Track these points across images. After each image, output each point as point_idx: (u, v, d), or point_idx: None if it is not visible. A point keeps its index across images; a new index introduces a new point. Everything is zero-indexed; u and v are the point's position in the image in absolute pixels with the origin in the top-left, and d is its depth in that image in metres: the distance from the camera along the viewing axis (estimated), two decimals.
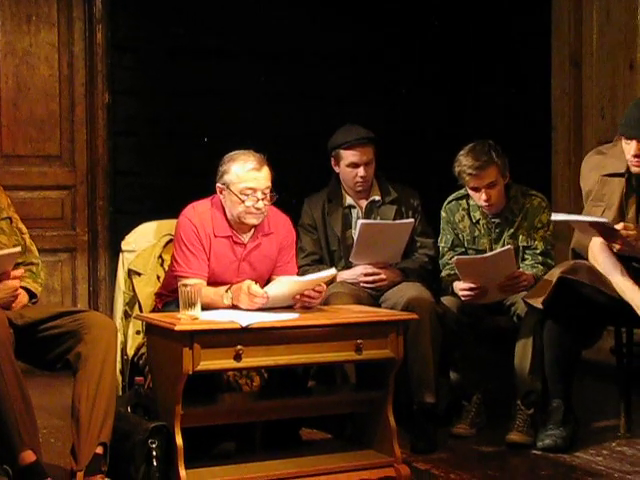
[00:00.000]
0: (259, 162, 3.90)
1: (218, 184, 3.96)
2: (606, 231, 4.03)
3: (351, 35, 6.28)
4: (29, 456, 3.32)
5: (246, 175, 3.88)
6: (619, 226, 4.01)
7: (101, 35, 5.95)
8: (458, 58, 6.49)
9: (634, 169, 4.13)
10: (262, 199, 3.88)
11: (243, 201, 3.87)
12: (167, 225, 4.18)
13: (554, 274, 4.17)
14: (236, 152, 3.96)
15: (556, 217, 4.15)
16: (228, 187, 3.91)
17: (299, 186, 4.66)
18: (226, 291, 3.80)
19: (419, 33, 6.46)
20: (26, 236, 3.92)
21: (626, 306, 4.12)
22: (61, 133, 5.95)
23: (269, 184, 3.92)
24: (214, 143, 4.16)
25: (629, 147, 4.10)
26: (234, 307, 3.76)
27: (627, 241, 4.02)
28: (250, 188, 3.87)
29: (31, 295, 3.75)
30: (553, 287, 4.10)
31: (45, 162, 5.93)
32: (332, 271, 3.94)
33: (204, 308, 3.60)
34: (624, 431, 4.45)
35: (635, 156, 4.09)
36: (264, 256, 4.03)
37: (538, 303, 4.15)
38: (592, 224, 4.02)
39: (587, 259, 4.23)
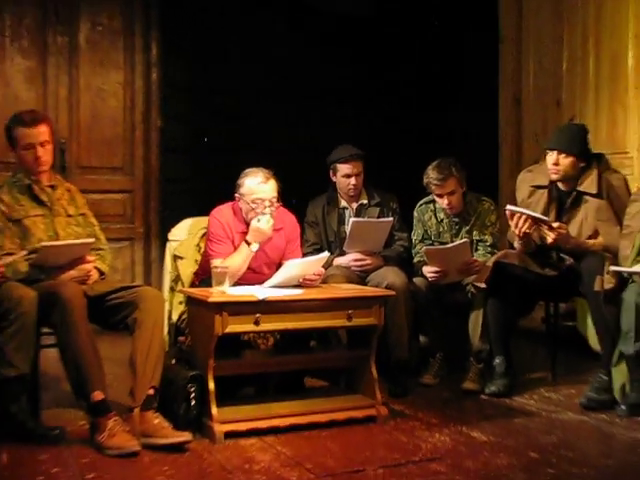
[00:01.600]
0: (266, 177, 3.87)
1: (236, 194, 3.94)
2: (546, 225, 4.01)
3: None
4: (98, 395, 3.31)
5: (256, 187, 3.85)
6: (556, 224, 4.00)
7: (156, 75, 5.94)
8: (430, 97, 6.46)
9: (553, 177, 4.15)
10: (269, 206, 3.85)
11: (254, 208, 3.84)
12: (202, 221, 4.16)
13: (491, 260, 4.17)
14: (250, 169, 3.93)
15: (510, 207, 4.11)
16: (242, 197, 3.89)
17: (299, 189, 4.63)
18: (243, 243, 3.83)
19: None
20: (97, 228, 3.91)
21: (550, 282, 4.14)
22: (124, 150, 5.93)
23: (275, 194, 3.88)
24: (240, 158, 4.13)
25: (550, 158, 4.11)
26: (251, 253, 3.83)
27: (560, 235, 3.99)
28: (259, 198, 3.84)
29: (100, 273, 3.74)
30: (491, 270, 4.11)
31: (111, 172, 5.91)
32: (325, 254, 3.92)
33: (234, 272, 3.65)
34: (550, 380, 4.45)
35: (554, 164, 4.09)
36: (275, 246, 4.01)
37: (482, 283, 4.14)
38: (536, 218, 3.99)
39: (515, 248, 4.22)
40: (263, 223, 3.81)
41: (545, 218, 4.01)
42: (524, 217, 3.98)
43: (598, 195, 4.09)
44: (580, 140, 4.12)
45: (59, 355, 3.39)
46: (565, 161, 4.08)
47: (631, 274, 3.79)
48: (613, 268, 3.82)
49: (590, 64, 5.30)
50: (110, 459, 3.15)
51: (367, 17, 6.42)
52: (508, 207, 4.12)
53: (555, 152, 4.09)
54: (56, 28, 5.69)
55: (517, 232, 4.03)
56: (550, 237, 4.00)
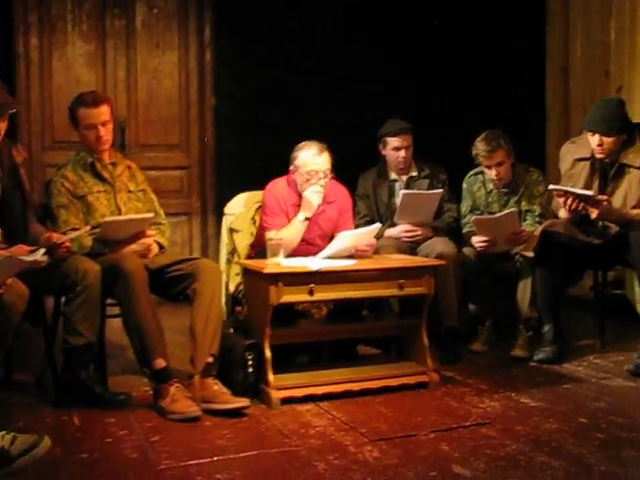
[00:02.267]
0: (320, 150, 3.87)
1: (291, 167, 3.93)
2: (590, 200, 3.94)
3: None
4: (161, 362, 3.37)
5: (310, 160, 3.85)
6: (599, 197, 3.93)
7: (209, 55, 5.94)
8: (478, 68, 6.35)
9: (598, 155, 4.09)
10: (323, 178, 3.84)
11: (308, 180, 3.84)
12: (257, 195, 4.16)
13: (539, 230, 4.12)
14: (304, 142, 3.94)
15: (552, 187, 4.06)
16: (297, 169, 3.88)
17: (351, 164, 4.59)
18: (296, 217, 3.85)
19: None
20: (156, 204, 3.94)
21: (596, 251, 4.09)
22: (180, 128, 5.95)
23: (328, 166, 3.88)
24: (292, 134, 4.13)
25: (593, 139, 4.04)
26: (306, 220, 3.85)
27: (604, 209, 3.94)
28: (313, 170, 3.84)
29: (160, 247, 3.77)
30: (539, 239, 4.06)
31: (169, 149, 5.94)
32: (377, 225, 3.92)
33: (288, 243, 3.68)
34: (599, 347, 4.39)
35: (598, 145, 4.02)
36: (328, 219, 4.00)
37: (530, 252, 4.10)
38: (580, 195, 3.93)
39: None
40: (312, 193, 3.81)
41: (589, 193, 3.94)
42: (569, 195, 3.93)
43: None
44: (620, 117, 4.02)
45: (123, 325, 3.44)
46: (608, 140, 4.01)
47: None
48: (551, 187, 3.77)
49: (638, 34, 5.16)
50: (173, 423, 3.21)
51: None
52: (550, 187, 4.07)
53: (597, 134, 4.01)
54: (114, 12, 5.73)
55: (566, 209, 3.98)
56: (594, 213, 3.96)
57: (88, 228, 3.53)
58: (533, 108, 5.90)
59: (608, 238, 4.10)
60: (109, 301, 3.55)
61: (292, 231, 3.83)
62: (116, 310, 3.51)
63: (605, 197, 3.96)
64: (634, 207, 4.02)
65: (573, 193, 3.95)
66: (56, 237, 3.34)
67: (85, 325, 3.33)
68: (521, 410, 3.35)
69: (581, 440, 2.96)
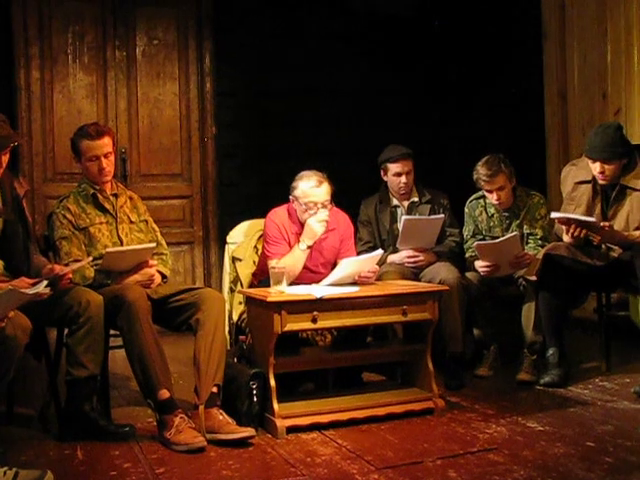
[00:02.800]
0: (319, 181, 3.87)
1: (291, 196, 3.94)
2: (592, 226, 3.95)
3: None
4: (165, 393, 3.35)
5: (309, 191, 3.86)
6: (601, 224, 3.94)
7: (210, 85, 5.97)
8: (476, 96, 6.39)
9: (601, 182, 4.10)
10: (322, 208, 3.85)
11: (307, 210, 3.85)
12: (259, 223, 4.17)
13: (541, 253, 4.12)
14: (303, 172, 3.94)
15: (555, 215, 4.08)
16: (297, 199, 3.89)
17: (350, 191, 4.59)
18: (296, 245, 3.85)
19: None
20: (158, 233, 3.95)
21: (599, 273, 4.09)
22: (181, 157, 5.97)
23: (328, 197, 3.88)
24: (293, 163, 4.15)
25: (594, 166, 4.05)
26: (308, 248, 3.85)
27: (606, 234, 3.96)
28: (312, 202, 3.84)
29: (162, 276, 3.77)
30: (541, 262, 4.06)
31: (170, 179, 5.96)
32: (379, 251, 3.91)
33: (291, 271, 3.67)
34: (604, 370, 4.36)
35: (600, 172, 4.03)
36: (330, 246, 4.01)
37: (533, 276, 4.09)
38: (582, 221, 3.93)
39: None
40: (314, 222, 3.81)
41: (591, 219, 3.95)
42: (571, 222, 3.94)
43: None
44: (620, 142, 4.02)
45: (126, 356, 3.43)
46: (610, 167, 4.02)
47: None
48: (553, 214, 3.77)
49: (635, 56, 5.19)
50: (178, 454, 3.18)
51: (410, 17, 6.36)
52: (553, 214, 4.09)
53: (599, 162, 4.01)
54: (114, 44, 5.78)
55: (569, 236, 4.00)
56: (596, 239, 3.98)
57: (90, 259, 3.53)
58: (533, 132, 5.92)
59: (611, 260, 4.10)
60: (112, 332, 3.54)
61: (294, 259, 3.83)
62: (119, 341, 3.50)
63: (607, 223, 3.97)
64: (637, 228, 4.02)
65: (575, 220, 3.96)
66: (58, 269, 3.34)
67: (88, 357, 3.31)
68: (528, 435, 3.32)
69: (589, 464, 2.93)
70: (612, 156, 3.99)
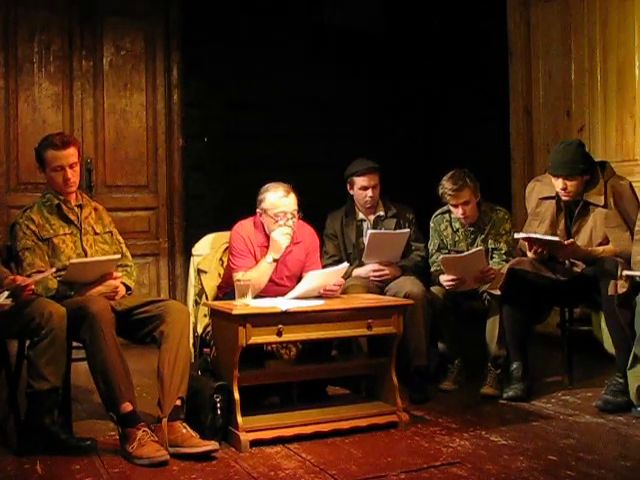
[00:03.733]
0: (286, 191, 3.89)
1: (258, 209, 3.94)
2: (554, 245, 4.01)
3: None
4: (127, 406, 3.32)
5: (278, 202, 3.87)
6: (567, 242, 4.02)
7: (177, 96, 5.98)
8: (442, 111, 6.45)
9: (564, 198, 4.15)
10: (291, 219, 3.86)
11: (277, 221, 3.85)
12: (224, 236, 4.16)
13: (505, 268, 4.16)
14: (269, 184, 3.95)
15: (518, 235, 4.15)
16: (265, 212, 3.89)
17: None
18: (263, 259, 3.85)
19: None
20: (123, 245, 3.92)
21: (563, 288, 4.14)
22: (148, 168, 5.96)
23: (296, 207, 3.89)
24: (259, 174, 4.15)
25: (557, 182, 4.11)
26: (274, 261, 3.85)
27: (569, 251, 4.04)
28: (282, 212, 3.85)
29: (127, 288, 3.75)
30: (505, 277, 4.10)
31: (136, 190, 5.94)
32: (345, 265, 3.93)
33: (256, 283, 3.66)
34: (567, 384, 4.40)
35: (562, 189, 4.09)
36: (296, 259, 4.01)
37: (496, 290, 4.13)
38: (545, 240, 3.99)
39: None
40: (280, 235, 3.82)
41: (554, 239, 4.00)
42: (534, 241, 4.00)
43: (605, 204, 4.07)
44: (580, 159, 4.07)
45: (89, 368, 3.39)
46: (572, 183, 4.07)
47: None
48: (626, 273, 3.80)
49: (598, 75, 5.28)
50: (140, 468, 3.15)
51: (376, 33, 6.42)
52: (516, 235, 4.15)
53: (560, 178, 4.07)
54: (81, 53, 5.75)
55: (532, 254, 4.06)
56: (560, 257, 4.04)
57: (53, 270, 3.50)
58: (498, 148, 5.99)
59: (574, 275, 4.14)
60: (74, 344, 3.50)
61: (260, 272, 3.83)
62: (82, 353, 3.46)
63: (570, 241, 4.02)
64: (600, 244, 4.07)
65: (539, 240, 4.01)
66: (20, 280, 3.30)
67: (50, 369, 3.27)
68: (491, 448, 3.35)
69: (551, 478, 2.96)
70: (573, 172, 4.05)
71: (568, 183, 4.07)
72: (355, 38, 6.35)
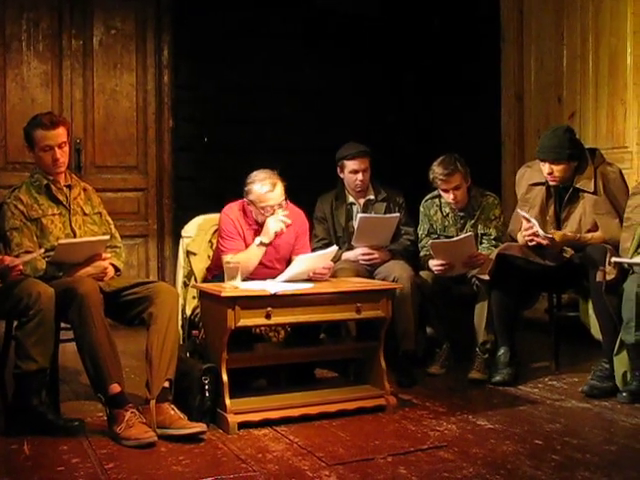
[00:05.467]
0: (272, 184, 3.85)
1: (245, 199, 3.92)
2: (548, 239, 4.04)
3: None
4: (115, 387, 3.32)
5: (264, 196, 3.84)
6: (552, 232, 4.04)
7: (167, 77, 5.95)
8: (436, 96, 6.45)
9: (551, 183, 4.16)
10: (278, 209, 3.85)
11: (264, 214, 3.85)
12: (214, 218, 4.15)
13: (494, 253, 4.17)
14: (256, 174, 3.89)
15: (521, 212, 4.14)
16: (252, 203, 3.89)
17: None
18: (253, 244, 3.84)
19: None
20: (112, 226, 3.91)
21: (551, 274, 4.16)
22: (137, 149, 5.94)
23: (282, 197, 3.87)
24: (249, 157, 4.14)
25: (544, 167, 4.11)
26: (263, 245, 3.84)
27: (558, 244, 4.05)
28: (269, 205, 3.85)
29: (116, 269, 3.74)
30: (494, 262, 4.11)
31: (126, 171, 5.92)
32: (334, 248, 3.93)
33: (245, 266, 3.64)
34: (554, 369, 4.43)
35: (549, 174, 4.09)
36: (285, 242, 4.00)
37: (485, 275, 4.14)
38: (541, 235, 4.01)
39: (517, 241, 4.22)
40: (274, 221, 3.82)
41: (547, 236, 4.00)
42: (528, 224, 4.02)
43: (594, 191, 4.08)
44: (568, 145, 4.08)
45: (77, 349, 3.39)
46: (558, 168, 4.07)
47: (632, 265, 3.79)
48: (615, 259, 3.82)
49: (590, 61, 5.28)
50: (128, 449, 3.15)
51: (371, 17, 6.40)
52: (519, 211, 4.13)
53: (547, 163, 4.08)
54: (71, 32, 5.71)
55: (522, 237, 4.07)
56: (552, 248, 4.07)
57: (42, 251, 3.48)
58: (489, 133, 5.99)
59: (563, 261, 4.16)
60: (63, 325, 3.49)
61: (249, 255, 3.82)
62: (70, 334, 3.45)
63: (554, 233, 4.03)
64: (589, 231, 4.09)
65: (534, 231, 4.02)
66: (9, 260, 3.29)
67: (38, 350, 3.27)
68: (478, 432, 3.37)
69: (536, 462, 2.98)
70: (560, 157, 4.05)
71: (555, 168, 4.07)
72: (347, 23, 6.32)
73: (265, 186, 3.84)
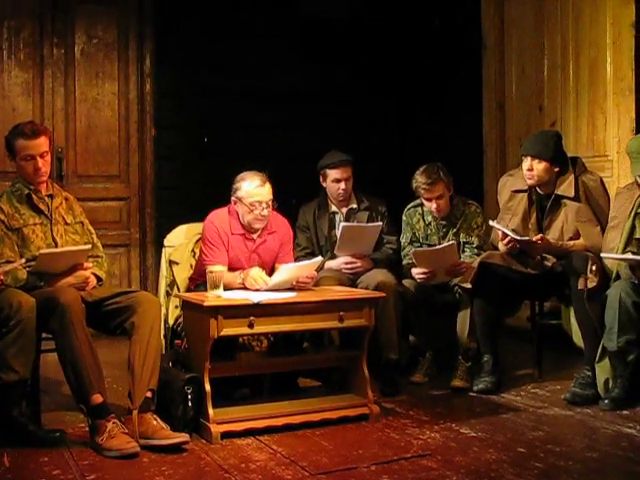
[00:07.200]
0: (262, 180, 3.87)
1: (233, 197, 3.93)
2: (526, 243, 4.06)
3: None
4: (98, 398, 3.30)
5: (254, 191, 3.85)
6: (535, 238, 4.05)
7: (149, 85, 5.94)
8: (416, 104, 6.48)
9: (529, 182, 4.17)
10: (266, 208, 3.85)
11: (252, 211, 3.84)
12: (197, 227, 4.15)
13: (476, 261, 4.19)
14: (245, 173, 3.92)
15: (492, 223, 4.17)
16: (240, 200, 3.88)
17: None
18: (239, 274, 3.78)
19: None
20: (94, 235, 3.89)
21: (533, 282, 4.19)
22: (120, 158, 5.92)
23: (271, 196, 3.89)
24: (233, 166, 4.13)
25: (525, 163, 4.13)
26: (243, 286, 3.74)
27: (539, 248, 4.08)
28: (257, 201, 3.84)
29: (98, 279, 3.71)
30: (476, 270, 4.13)
31: (108, 180, 5.90)
32: (319, 258, 3.93)
33: (225, 286, 3.59)
34: (537, 377, 4.45)
35: (528, 170, 4.10)
36: (269, 249, 4.00)
37: (467, 284, 4.16)
38: (516, 239, 4.03)
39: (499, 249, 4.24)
40: (252, 279, 3.72)
41: (525, 238, 4.03)
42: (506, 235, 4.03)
43: (576, 198, 4.11)
44: (553, 146, 4.11)
45: (58, 360, 3.37)
46: (539, 166, 4.09)
47: (621, 261, 3.81)
48: (604, 255, 3.84)
49: (570, 71, 5.33)
50: (110, 460, 3.14)
51: (351, 22, 6.41)
52: (491, 222, 4.16)
53: (529, 158, 4.10)
54: (52, 41, 5.69)
55: (504, 244, 4.09)
56: (532, 254, 4.10)
57: (23, 261, 3.46)
58: (470, 142, 6.02)
59: (545, 269, 4.19)
60: (44, 335, 3.47)
61: (228, 281, 3.75)
62: (51, 344, 3.43)
63: (539, 236, 4.05)
64: (571, 239, 4.11)
65: (511, 237, 4.04)
66: None
67: (19, 360, 3.24)
68: (461, 441, 3.37)
69: (520, 470, 2.99)
70: (542, 154, 4.07)
71: (535, 164, 4.08)
72: (329, 27, 6.32)
73: (255, 181, 3.86)
